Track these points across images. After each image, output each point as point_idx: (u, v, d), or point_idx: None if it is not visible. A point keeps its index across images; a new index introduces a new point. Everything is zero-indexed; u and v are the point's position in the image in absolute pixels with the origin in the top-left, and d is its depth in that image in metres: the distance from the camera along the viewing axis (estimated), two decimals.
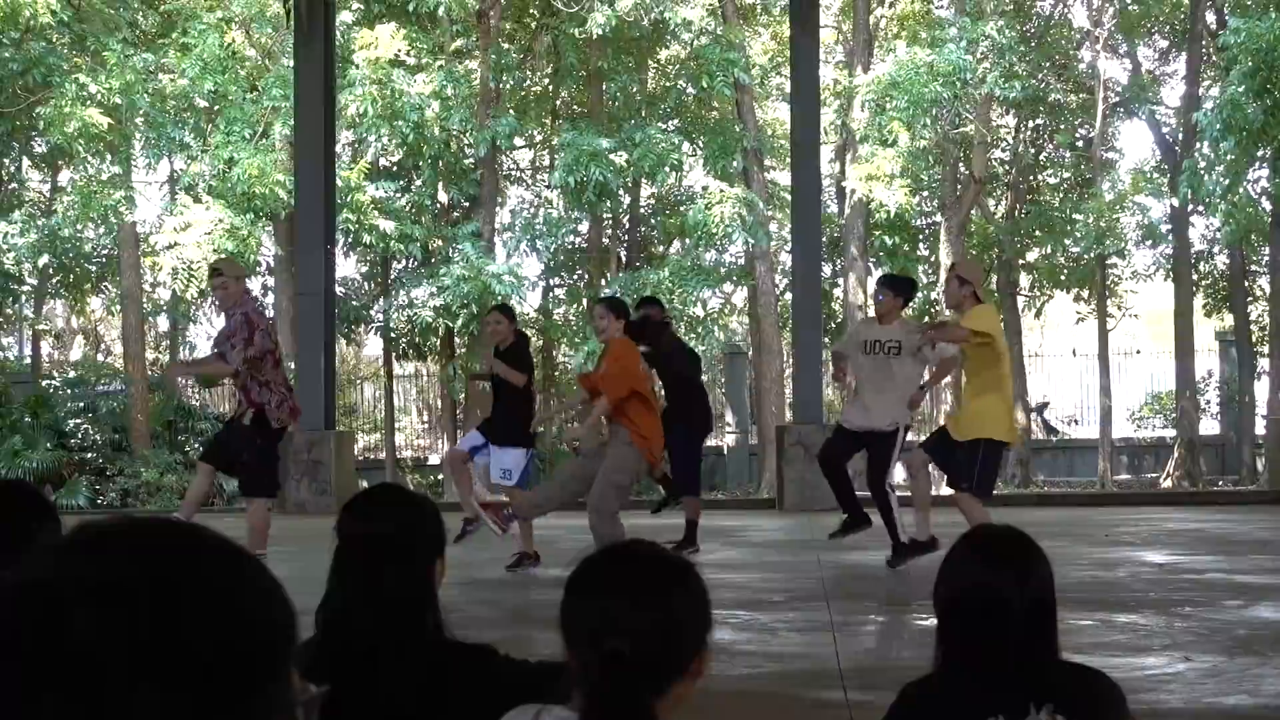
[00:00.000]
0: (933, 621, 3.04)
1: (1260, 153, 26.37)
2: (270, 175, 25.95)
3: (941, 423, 12.17)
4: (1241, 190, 26.99)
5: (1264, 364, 31.76)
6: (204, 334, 35.57)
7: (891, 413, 12.13)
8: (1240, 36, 23.97)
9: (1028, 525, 3.18)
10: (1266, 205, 28.86)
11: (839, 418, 12.96)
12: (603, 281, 29.32)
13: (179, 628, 1.23)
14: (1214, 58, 29.28)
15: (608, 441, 10.81)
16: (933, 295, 31.97)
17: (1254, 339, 32.91)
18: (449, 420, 31.55)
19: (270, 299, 31.73)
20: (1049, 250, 32.28)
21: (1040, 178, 34.89)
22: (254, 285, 32.50)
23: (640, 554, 2.41)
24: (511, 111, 29.39)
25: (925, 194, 32.01)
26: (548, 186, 30.79)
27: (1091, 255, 30.77)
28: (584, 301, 30.84)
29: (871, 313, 13.36)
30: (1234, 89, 24.38)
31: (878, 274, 32.28)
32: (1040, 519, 12.47)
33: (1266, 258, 32.28)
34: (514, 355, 12.00)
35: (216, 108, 28.12)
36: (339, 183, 24.55)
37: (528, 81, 31.81)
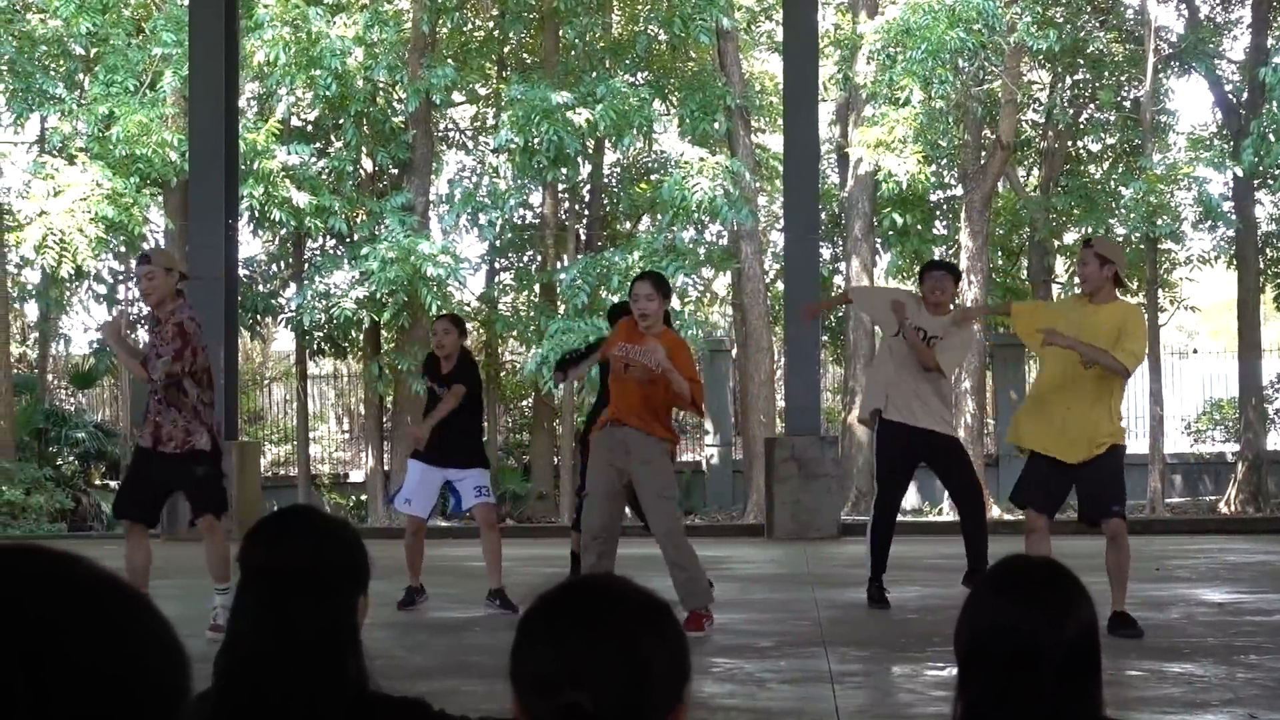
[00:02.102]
0: (952, 670, 3.05)
1: None
2: (158, 134, 25.87)
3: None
4: None
5: None
6: (80, 325, 35.46)
7: (947, 417, 12.50)
8: None
9: (1065, 557, 3.19)
10: None
11: (881, 413, 12.56)
12: (559, 264, 29.31)
13: (51, 677, 1.22)
14: None
15: (630, 453, 10.80)
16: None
17: None
18: (374, 428, 31.50)
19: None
20: (1089, 230, 32.36)
21: (1080, 144, 34.96)
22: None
23: (607, 591, 2.40)
24: (450, 61, 29.36)
25: (943, 163, 32.06)
26: (493, 150, 30.77)
27: (1140, 237, 30.87)
28: (536, 289, 30.82)
29: (915, 291, 13.36)
30: None
31: (885, 259, 32.39)
32: (1079, 549, 12.49)
33: None
34: (466, 375, 12.24)
35: (94, 54, 28.04)
36: (242, 145, 24.49)
37: (469, 25, 31.79)
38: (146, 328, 11.05)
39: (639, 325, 10.79)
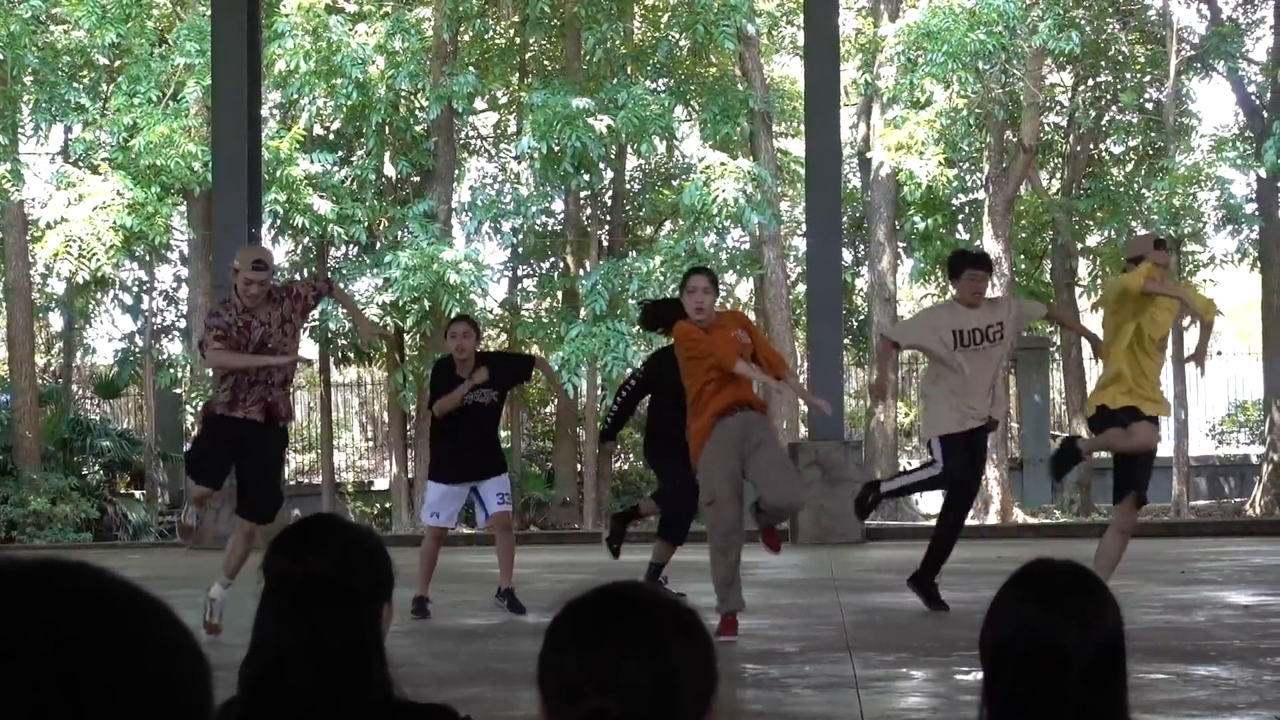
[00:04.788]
0: (978, 675, 3.04)
1: None
2: (181, 144, 25.92)
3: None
4: None
5: None
6: (105, 335, 35.51)
7: (998, 406, 12.51)
8: None
9: (1090, 560, 3.18)
10: None
11: (954, 424, 12.30)
12: (581, 271, 29.33)
13: (76, 691, 1.21)
14: None
15: (756, 425, 10.84)
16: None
17: None
18: (397, 437, 31.55)
19: (183, 292, 31.70)
20: (1113, 233, 32.28)
21: (1102, 147, 34.91)
22: (164, 274, 32.49)
23: (635, 597, 2.39)
24: (471, 68, 29.39)
25: (965, 166, 32.02)
26: (514, 157, 30.82)
27: (1163, 238, 30.79)
28: (558, 295, 30.84)
29: (948, 297, 13.21)
30: None
31: (908, 263, 32.34)
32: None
33: None
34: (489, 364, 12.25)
35: (118, 64, 28.11)
36: (265, 154, 24.53)
37: (490, 33, 31.82)
38: (222, 322, 10.98)
39: (696, 317, 10.76)
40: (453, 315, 27.12)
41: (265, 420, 10.97)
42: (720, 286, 33.61)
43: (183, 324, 31.94)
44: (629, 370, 27.52)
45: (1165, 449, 32.37)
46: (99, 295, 31.58)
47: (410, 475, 30.25)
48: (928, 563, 12.41)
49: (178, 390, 30.03)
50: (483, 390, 12.05)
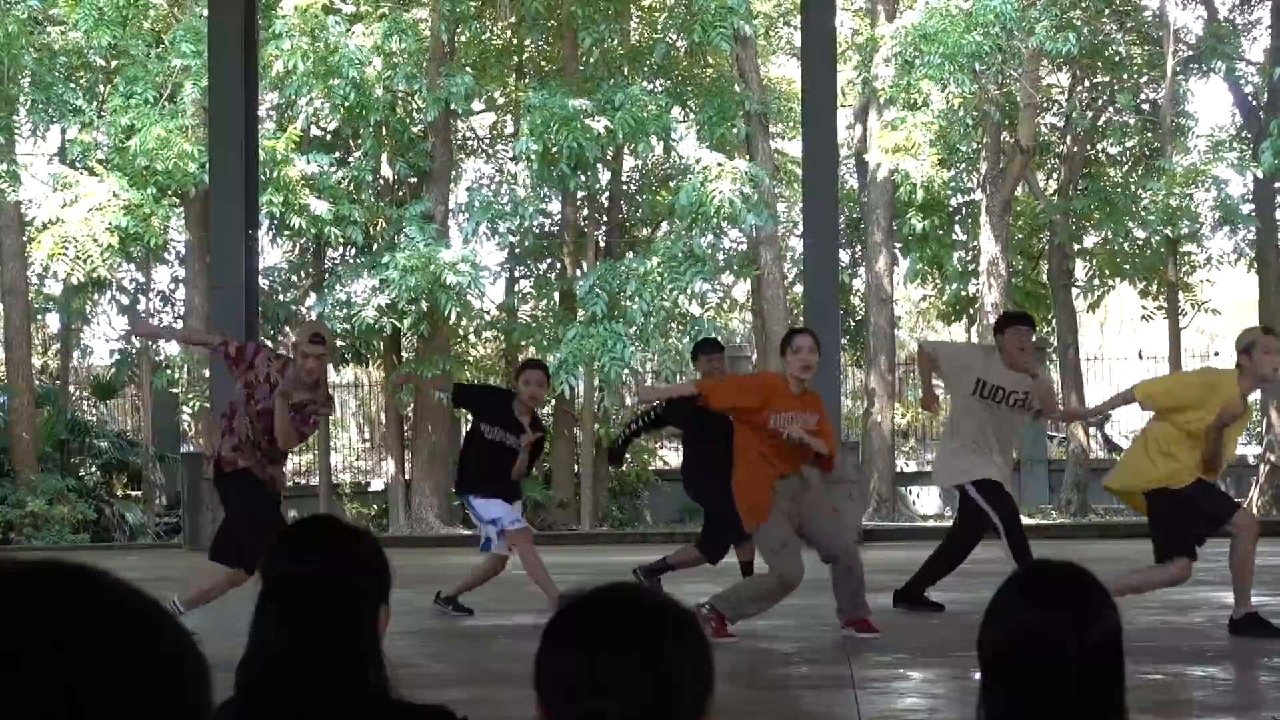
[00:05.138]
0: (976, 676, 3.04)
1: None
2: (178, 145, 25.92)
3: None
4: None
5: None
6: (102, 336, 35.49)
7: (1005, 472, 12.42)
8: None
9: (1088, 561, 3.18)
10: None
11: (979, 472, 12.24)
12: (578, 271, 29.32)
13: (77, 695, 1.21)
14: None
15: (808, 489, 10.98)
16: (971, 289, 31.99)
17: None
18: (395, 437, 31.53)
19: (180, 293, 31.69)
20: (1110, 234, 32.30)
21: (1099, 147, 34.93)
22: (161, 276, 32.47)
23: (632, 599, 2.40)
24: (468, 69, 29.38)
25: (962, 167, 32.05)
26: (511, 158, 30.81)
27: (1160, 239, 30.83)
28: (555, 296, 30.84)
29: (990, 345, 13.08)
30: None
31: (905, 264, 32.35)
32: (1102, 554, 12.49)
33: None
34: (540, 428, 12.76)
35: (114, 66, 28.09)
36: (262, 155, 24.51)
37: (487, 34, 31.81)
38: (254, 373, 10.70)
39: (799, 380, 10.85)
40: (453, 319, 27.21)
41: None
42: (719, 287, 33.82)
43: (179, 325, 31.93)
44: (625, 371, 27.59)
45: None
46: (96, 296, 31.56)
47: (408, 476, 30.23)
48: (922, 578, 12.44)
49: (175, 391, 30.04)
50: (516, 440, 12.27)
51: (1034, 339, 12.53)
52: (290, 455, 12.62)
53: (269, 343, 32.16)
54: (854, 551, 10.98)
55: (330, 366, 31.73)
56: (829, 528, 10.85)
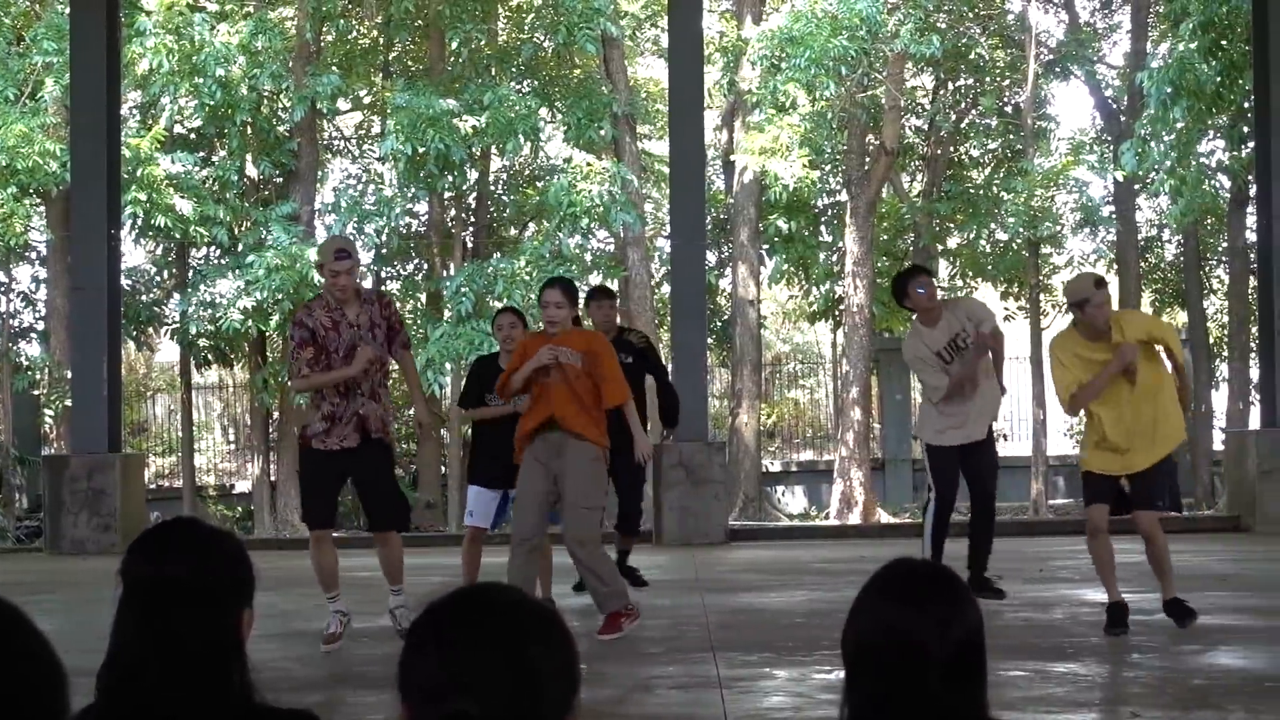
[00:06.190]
0: (840, 674, 3.05)
1: (1215, 121, 26.86)
2: (39, 143, 25.59)
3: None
4: (1193, 164, 27.32)
5: (1223, 369, 32.32)
6: None
7: (987, 415, 12.45)
8: None
9: (949, 559, 3.21)
10: (1224, 183, 29.33)
11: (931, 436, 12.52)
12: (445, 272, 29.24)
13: None
14: (1162, 8, 29.77)
15: (562, 455, 10.71)
16: (837, 290, 32.17)
17: (1211, 340, 33.46)
18: (260, 439, 31.27)
19: (41, 293, 31.28)
20: (972, 235, 32.61)
21: (962, 149, 35.26)
22: (22, 275, 32.03)
23: (495, 600, 2.39)
24: (335, 68, 29.23)
25: (828, 168, 32.24)
26: (378, 158, 30.66)
27: (1022, 241, 31.16)
28: (422, 296, 30.74)
29: (913, 317, 13.06)
30: (1184, 45, 24.80)
31: (771, 265, 32.49)
32: (963, 552, 12.63)
33: (1225, 245, 32.85)
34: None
35: None
36: (125, 154, 24.25)
37: (354, 33, 31.64)
38: (304, 333, 10.43)
39: (547, 331, 10.73)
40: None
41: (360, 443, 10.56)
42: (587, 287, 33.73)
43: (41, 326, 31.55)
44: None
45: (1023, 449, 32.87)
46: None
47: (273, 478, 30.03)
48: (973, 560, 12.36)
49: (36, 393, 29.68)
50: (519, 398, 11.45)
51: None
52: (155, 456, 12.47)
53: (143, 340, 31.86)
54: (588, 549, 10.85)
55: (193, 366, 31.55)
56: (570, 513, 10.72)
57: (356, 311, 10.55)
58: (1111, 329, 10.37)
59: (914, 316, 12.60)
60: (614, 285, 34.68)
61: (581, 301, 12.46)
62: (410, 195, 29.66)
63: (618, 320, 13.93)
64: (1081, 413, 10.64)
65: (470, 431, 12.76)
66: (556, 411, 10.62)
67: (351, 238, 26.31)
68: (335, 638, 10.48)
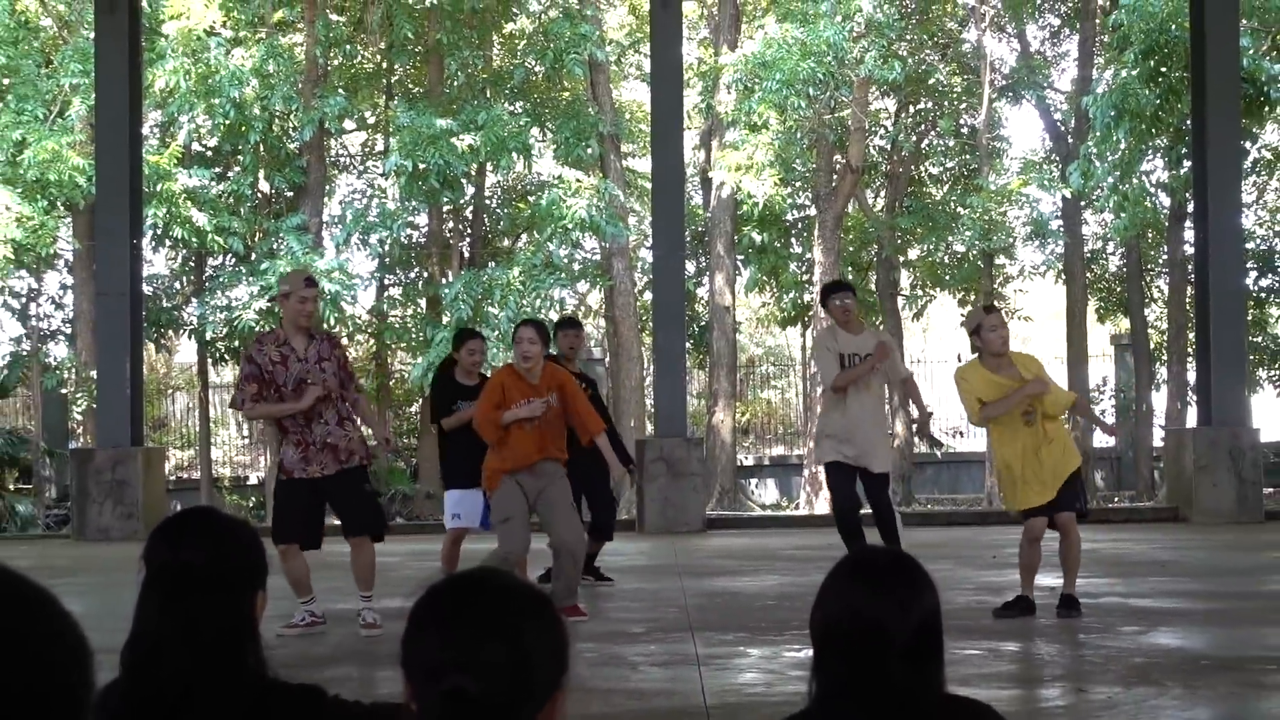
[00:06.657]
0: (808, 653, 3.06)
1: (1155, 142, 26.95)
2: (67, 159, 25.56)
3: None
4: (1135, 182, 27.47)
5: (1162, 372, 32.39)
6: None
7: (888, 451, 12.51)
8: (1133, 15, 24.51)
9: (909, 547, 3.21)
10: (1164, 200, 29.46)
11: (832, 453, 12.30)
12: (444, 279, 29.20)
13: None
14: (1107, 38, 29.84)
15: (539, 476, 10.73)
16: (806, 297, 32.18)
17: (1152, 345, 33.53)
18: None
19: (69, 299, 31.23)
20: (931, 246, 32.64)
21: (922, 168, 35.28)
22: (51, 282, 32.00)
23: (491, 583, 2.39)
24: (341, 90, 29.19)
25: (798, 185, 32.26)
26: (381, 174, 30.60)
27: (976, 252, 31.20)
28: (422, 302, 30.71)
29: (825, 319, 13.09)
30: (1126, 72, 24.86)
31: (745, 274, 32.49)
32: (922, 540, 12.66)
33: (1164, 257, 32.96)
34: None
35: (6, 84, 27.60)
36: (146, 169, 24.21)
37: (359, 57, 31.61)
38: (253, 369, 10.35)
39: (522, 365, 10.68)
40: (331, 325, 26.93)
41: (337, 471, 10.45)
42: (575, 294, 33.82)
43: (68, 329, 31.57)
44: (489, 372, 27.44)
45: (978, 445, 32.91)
46: None
47: None
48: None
49: (64, 391, 29.70)
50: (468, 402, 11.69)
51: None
52: (175, 450, 12.41)
53: (163, 342, 31.86)
54: (578, 551, 10.84)
55: (209, 366, 31.54)
56: (563, 517, 10.70)
57: (305, 345, 10.44)
58: (1016, 366, 10.63)
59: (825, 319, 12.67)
60: (599, 293, 34.75)
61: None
62: (411, 208, 29.64)
63: (585, 347, 13.99)
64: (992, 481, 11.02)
65: (439, 436, 12.54)
66: (543, 454, 10.72)
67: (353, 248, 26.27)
68: (296, 627, 10.42)
